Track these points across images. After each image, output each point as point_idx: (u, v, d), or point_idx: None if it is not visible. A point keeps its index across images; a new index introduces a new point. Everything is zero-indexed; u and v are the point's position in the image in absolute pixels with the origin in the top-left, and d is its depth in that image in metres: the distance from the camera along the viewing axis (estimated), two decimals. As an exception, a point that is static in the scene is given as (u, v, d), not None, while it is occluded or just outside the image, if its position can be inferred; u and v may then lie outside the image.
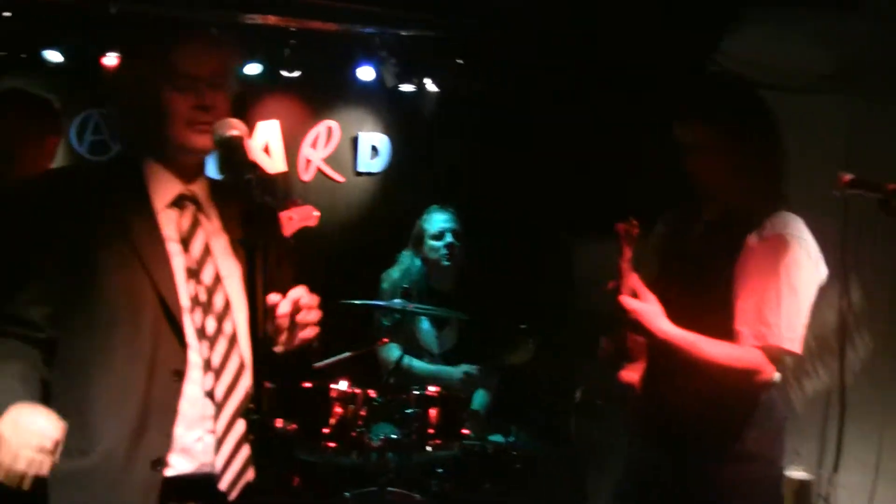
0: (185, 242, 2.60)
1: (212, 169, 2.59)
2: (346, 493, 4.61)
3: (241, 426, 2.54)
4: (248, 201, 2.31)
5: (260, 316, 2.31)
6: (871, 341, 4.50)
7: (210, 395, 2.53)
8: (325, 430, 4.53)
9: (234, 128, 2.43)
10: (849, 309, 4.49)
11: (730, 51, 5.24)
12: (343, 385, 4.67)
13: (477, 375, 5.54)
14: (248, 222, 2.32)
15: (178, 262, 2.58)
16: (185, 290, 2.55)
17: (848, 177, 2.95)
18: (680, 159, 3.36)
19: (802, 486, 4.24)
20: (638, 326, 3.12)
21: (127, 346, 2.46)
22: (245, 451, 2.56)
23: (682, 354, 3.11)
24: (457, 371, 5.56)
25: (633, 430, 3.60)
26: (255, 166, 2.28)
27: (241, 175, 2.30)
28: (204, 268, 2.60)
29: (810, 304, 3.20)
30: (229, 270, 2.64)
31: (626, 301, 3.10)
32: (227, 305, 2.61)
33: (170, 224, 2.61)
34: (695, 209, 3.50)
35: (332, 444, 4.54)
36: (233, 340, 2.59)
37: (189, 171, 2.68)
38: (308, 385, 4.62)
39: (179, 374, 2.49)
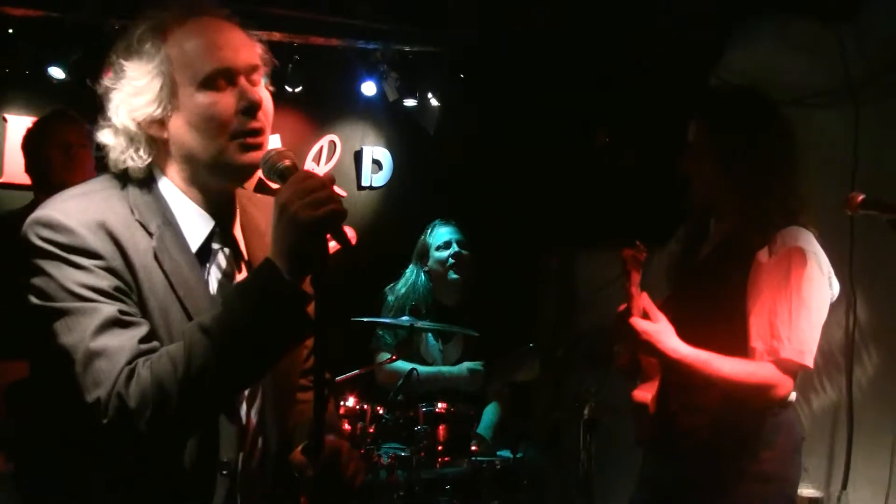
0: None
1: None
2: (355, 511, 4.60)
3: None
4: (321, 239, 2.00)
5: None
6: (878, 358, 4.50)
7: None
8: (334, 448, 4.49)
9: (287, 157, 2.09)
10: (856, 325, 4.50)
11: (731, 65, 5.26)
12: (351, 402, 4.66)
13: (482, 372, 5.54)
14: (324, 260, 2.01)
15: None
16: None
17: (861, 197, 2.95)
18: (692, 167, 3.36)
19: (812, 504, 4.24)
20: (648, 347, 3.11)
21: None
22: None
23: (694, 373, 3.09)
24: (460, 368, 5.57)
25: (647, 448, 3.59)
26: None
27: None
28: None
29: (823, 319, 3.18)
30: None
31: (637, 322, 3.09)
32: None
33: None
34: (704, 227, 3.51)
35: (340, 462, 4.51)
36: None
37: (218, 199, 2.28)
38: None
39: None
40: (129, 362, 1.95)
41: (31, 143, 4.39)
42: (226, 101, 2.13)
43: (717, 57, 5.35)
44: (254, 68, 2.20)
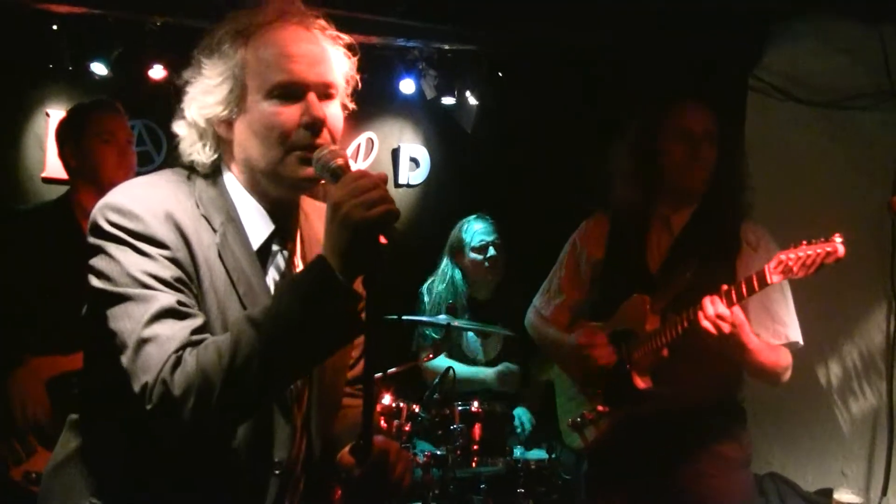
0: None
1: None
2: (390, 509, 4.61)
3: None
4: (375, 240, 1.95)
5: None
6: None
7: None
8: (370, 446, 4.50)
9: (340, 156, 2.07)
10: (896, 329, 4.47)
11: (771, 66, 5.23)
12: (387, 399, 4.67)
13: (513, 372, 5.53)
14: (378, 259, 1.97)
15: None
16: None
17: (903, 201, 2.96)
18: (706, 154, 3.48)
19: (852, 509, 4.20)
20: (732, 341, 3.14)
21: None
22: None
23: (755, 362, 3.23)
24: (492, 370, 5.58)
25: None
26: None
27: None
28: None
29: None
30: None
31: (738, 315, 3.11)
32: None
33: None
34: (639, 215, 3.67)
35: (376, 459, 4.52)
36: None
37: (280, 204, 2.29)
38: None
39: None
40: (178, 350, 1.96)
41: (72, 130, 4.26)
42: (289, 113, 2.13)
43: (757, 58, 5.33)
44: (326, 85, 2.19)
